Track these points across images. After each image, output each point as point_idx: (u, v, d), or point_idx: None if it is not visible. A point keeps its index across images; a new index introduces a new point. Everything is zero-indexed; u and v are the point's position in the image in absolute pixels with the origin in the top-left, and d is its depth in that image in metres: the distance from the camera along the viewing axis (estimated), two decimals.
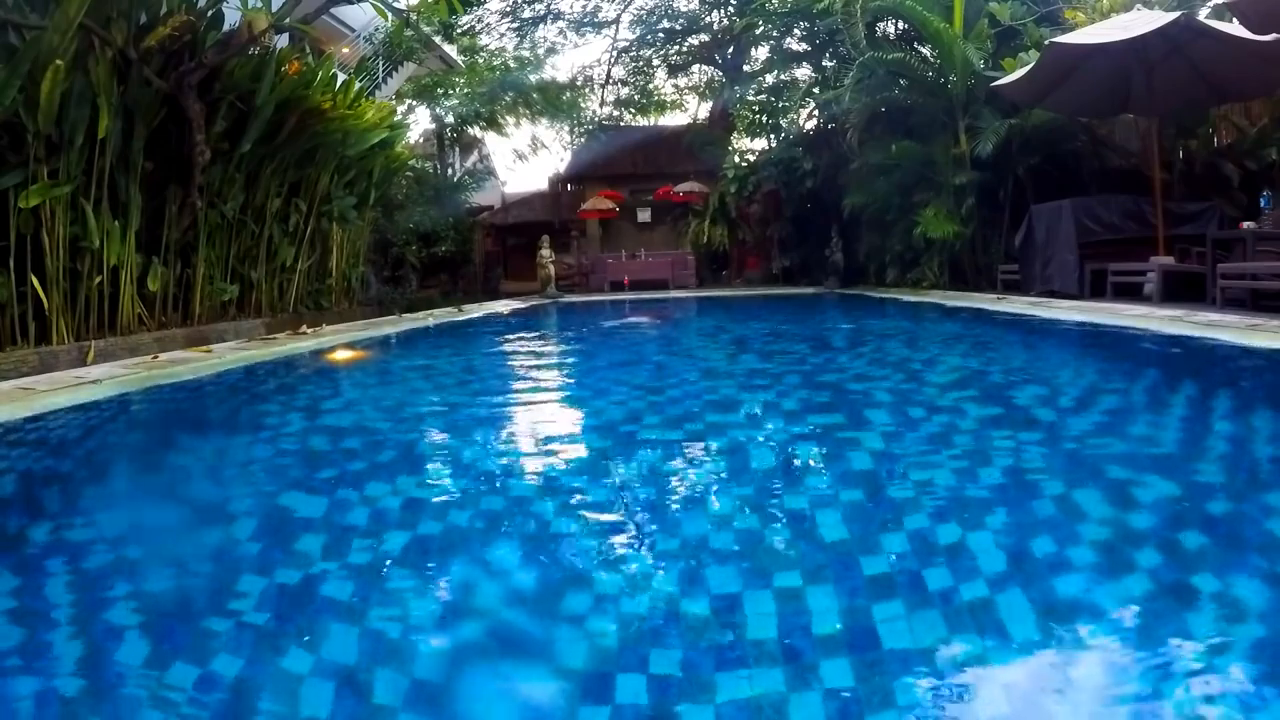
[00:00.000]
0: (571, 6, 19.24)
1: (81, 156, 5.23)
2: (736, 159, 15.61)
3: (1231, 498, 1.94)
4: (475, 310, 9.99)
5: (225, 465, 2.64)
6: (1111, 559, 1.61)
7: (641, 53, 20.05)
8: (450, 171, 17.67)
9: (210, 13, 6.11)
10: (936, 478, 2.12)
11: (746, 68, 17.40)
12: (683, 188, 16.33)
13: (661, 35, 19.38)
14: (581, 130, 19.41)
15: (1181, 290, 6.47)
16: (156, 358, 4.93)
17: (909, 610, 1.43)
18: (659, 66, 20.51)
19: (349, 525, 1.99)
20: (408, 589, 1.65)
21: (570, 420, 3.32)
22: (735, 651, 1.34)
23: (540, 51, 19.01)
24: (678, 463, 2.46)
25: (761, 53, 17.05)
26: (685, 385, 3.95)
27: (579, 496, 2.15)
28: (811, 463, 2.44)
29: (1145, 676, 1.24)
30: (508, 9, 18.67)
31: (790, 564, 1.64)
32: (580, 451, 2.69)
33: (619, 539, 1.85)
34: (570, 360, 5.56)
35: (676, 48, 19.77)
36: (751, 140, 17.21)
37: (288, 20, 6.37)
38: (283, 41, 8.19)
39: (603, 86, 20.38)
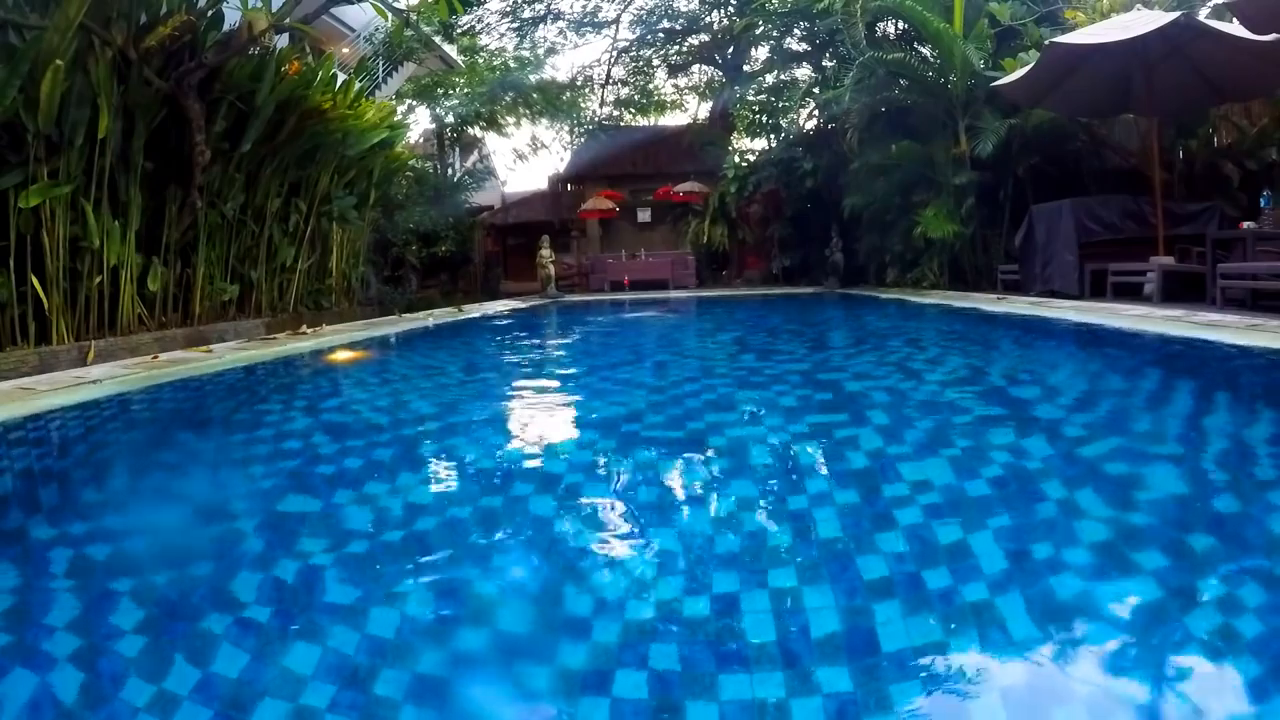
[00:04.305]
0: (571, 6, 19.27)
1: (81, 156, 5.23)
2: (736, 159, 15.60)
3: (1237, 497, 1.94)
4: (475, 310, 9.99)
5: (225, 464, 2.64)
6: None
7: (641, 53, 20.04)
8: (450, 171, 17.68)
9: (210, 13, 6.11)
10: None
11: (746, 68, 17.40)
12: (683, 188, 16.33)
13: (661, 35, 19.38)
14: (581, 130, 19.41)
15: (1181, 290, 6.46)
16: (156, 358, 4.93)
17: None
18: (659, 66, 20.51)
19: (348, 524, 1.99)
20: (408, 587, 1.65)
21: (571, 420, 3.33)
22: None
23: (540, 51, 19.02)
24: (678, 462, 2.46)
25: (761, 53, 17.06)
26: (686, 385, 3.95)
27: (580, 494, 2.15)
28: (818, 459, 2.45)
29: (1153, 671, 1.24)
30: (508, 9, 18.67)
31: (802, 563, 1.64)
32: (581, 450, 2.69)
33: (619, 536, 1.85)
34: (571, 360, 5.56)
35: (676, 48, 19.77)
36: (751, 140, 17.22)
37: (288, 20, 6.37)
38: (283, 41, 8.19)
39: (603, 86, 20.39)
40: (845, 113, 11.20)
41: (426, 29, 13.73)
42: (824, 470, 2.35)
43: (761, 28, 15.13)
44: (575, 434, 2.99)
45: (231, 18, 6.36)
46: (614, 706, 1.23)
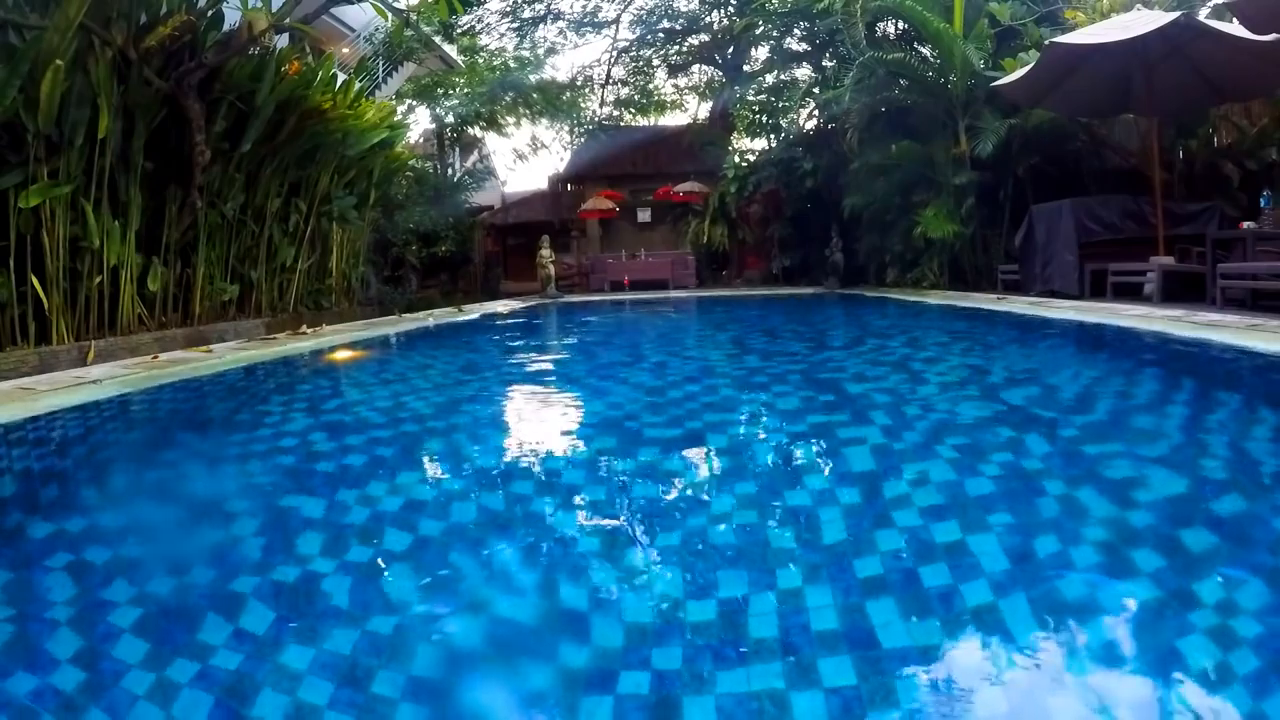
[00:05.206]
0: (571, 6, 19.27)
1: (81, 156, 5.23)
2: (736, 159, 15.59)
3: (1236, 497, 1.94)
4: (475, 310, 9.99)
5: (225, 464, 2.64)
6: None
7: (641, 53, 20.04)
8: (450, 171, 17.68)
9: (210, 13, 6.12)
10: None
11: (746, 68, 17.39)
12: (683, 188, 16.33)
13: (661, 35, 19.38)
14: (581, 130, 19.41)
15: (1181, 290, 6.47)
16: (156, 358, 4.93)
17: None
18: (659, 66, 20.51)
19: (349, 523, 1.99)
20: (408, 586, 1.65)
21: (571, 419, 3.33)
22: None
23: (540, 51, 19.03)
24: (676, 462, 2.46)
25: (761, 53, 17.06)
26: (685, 385, 3.95)
27: (580, 493, 2.15)
28: (821, 459, 2.45)
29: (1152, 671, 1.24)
30: (508, 9, 18.67)
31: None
32: (582, 449, 2.69)
33: (619, 534, 1.86)
34: (571, 360, 5.56)
35: (676, 48, 19.77)
36: (751, 140, 17.21)
37: (288, 20, 6.37)
38: (283, 41, 8.19)
39: (603, 86, 20.39)
40: (845, 113, 11.20)
41: (426, 29, 13.74)
42: (832, 468, 2.35)
43: (761, 28, 15.12)
44: (575, 433, 2.99)
45: (231, 18, 6.36)
46: (617, 704, 1.23)
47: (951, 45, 8.97)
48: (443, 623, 1.51)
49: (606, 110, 20.47)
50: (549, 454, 2.64)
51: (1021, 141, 8.93)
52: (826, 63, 13.63)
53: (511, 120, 17.95)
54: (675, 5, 18.76)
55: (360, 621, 1.49)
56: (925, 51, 10.12)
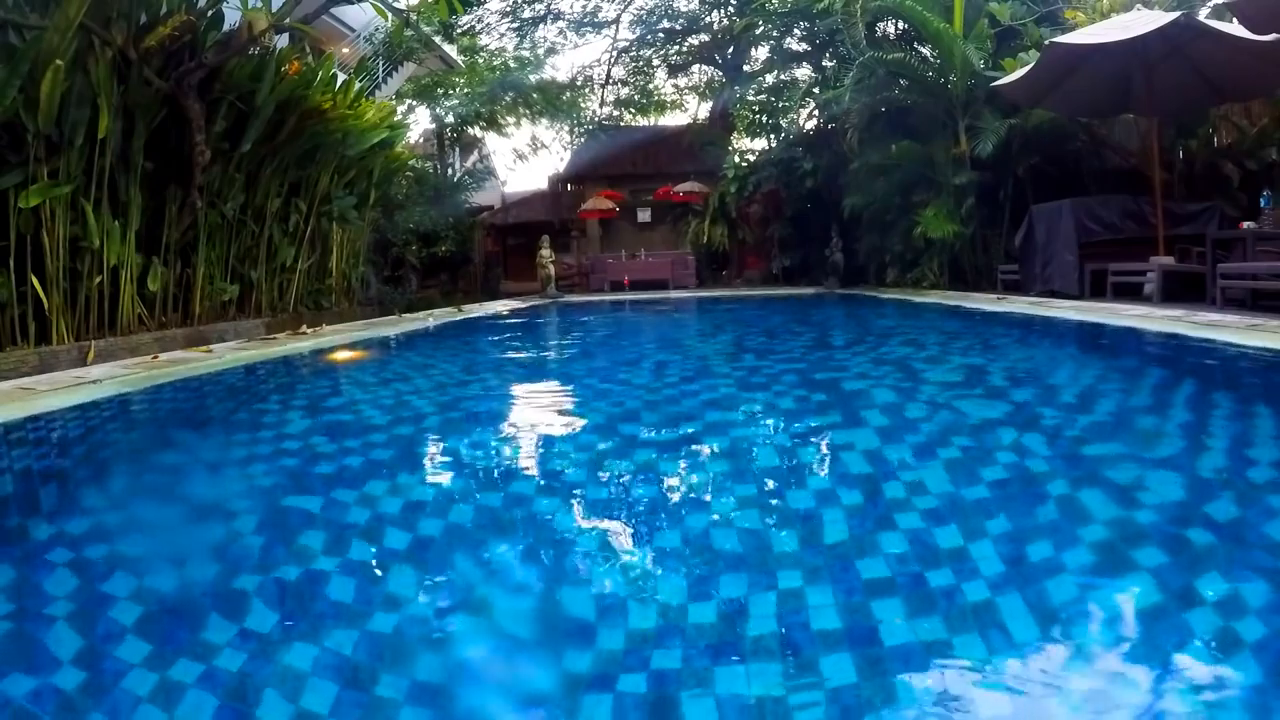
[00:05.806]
0: (571, 6, 19.28)
1: (81, 156, 5.23)
2: (736, 159, 15.59)
3: (1236, 498, 1.94)
4: (475, 310, 9.99)
5: (224, 464, 2.64)
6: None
7: (641, 53, 20.05)
8: (450, 171, 17.68)
9: (210, 13, 6.11)
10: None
11: (746, 68, 17.40)
12: (683, 188, 16.33)
13: (661, 35, 19.38)
14: (581, 130, 19.41)
15: (1181, 290, 6.47)
16: (156, 358, 4.93)
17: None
18: (659, 66, 20.52)
19: (348, 523, 1.99)
20: (408, 586, 1.65)
21: (570, 420, 3.32)
22: None
23: (540, 51, 19.03)
24: (680, 463, 2.46)
25: (761, 53, 17.07)
26: (684, 385, 3.95)
27: (580, 494, 2.15)
28: (823, 459, 2.45)
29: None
30: (508, 9, 18.68)
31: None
32: (582, 450, 2.69)
33: (620, 535, 1.86)
34: (571, 361, 5.56)
35: (676, 48, 19.78)
36: (751, 140, 17.22)
37: (288, 20, 6.37)
38: (283, 41, 8.19)
39: (603, 86, 20.39)
40: (845, 113, 11.20)
41: (426, 29, 13.74)
42: (831, 468, 2.35)
43: (761, 28, 15.13)
44: (575, 433, 2.99)
45: (231, 18, 6.36)
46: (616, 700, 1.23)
47: (951, 45, 8.97)
48: (440, 621, 1.51)
49: (606, 110, 20.49)
50: (548, 453, 2.64)
51: (1021, 141, 8.93)
52: (826, 63, 13.64)
53: (511, 120, 17.97)
54: (675, 5, 18.79)
55: (359, 619, 1.49)
56: (925, 51, 10.12)
